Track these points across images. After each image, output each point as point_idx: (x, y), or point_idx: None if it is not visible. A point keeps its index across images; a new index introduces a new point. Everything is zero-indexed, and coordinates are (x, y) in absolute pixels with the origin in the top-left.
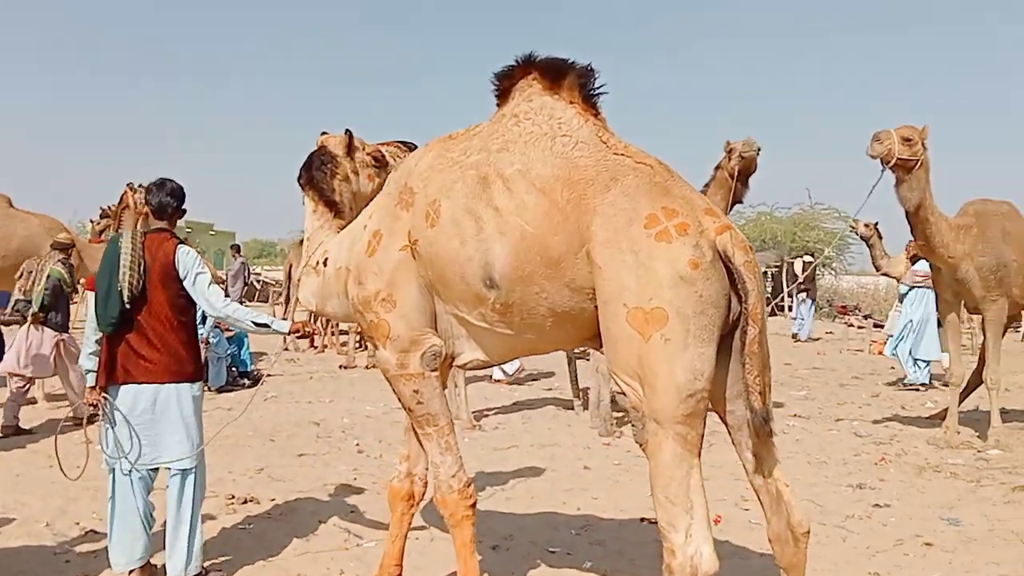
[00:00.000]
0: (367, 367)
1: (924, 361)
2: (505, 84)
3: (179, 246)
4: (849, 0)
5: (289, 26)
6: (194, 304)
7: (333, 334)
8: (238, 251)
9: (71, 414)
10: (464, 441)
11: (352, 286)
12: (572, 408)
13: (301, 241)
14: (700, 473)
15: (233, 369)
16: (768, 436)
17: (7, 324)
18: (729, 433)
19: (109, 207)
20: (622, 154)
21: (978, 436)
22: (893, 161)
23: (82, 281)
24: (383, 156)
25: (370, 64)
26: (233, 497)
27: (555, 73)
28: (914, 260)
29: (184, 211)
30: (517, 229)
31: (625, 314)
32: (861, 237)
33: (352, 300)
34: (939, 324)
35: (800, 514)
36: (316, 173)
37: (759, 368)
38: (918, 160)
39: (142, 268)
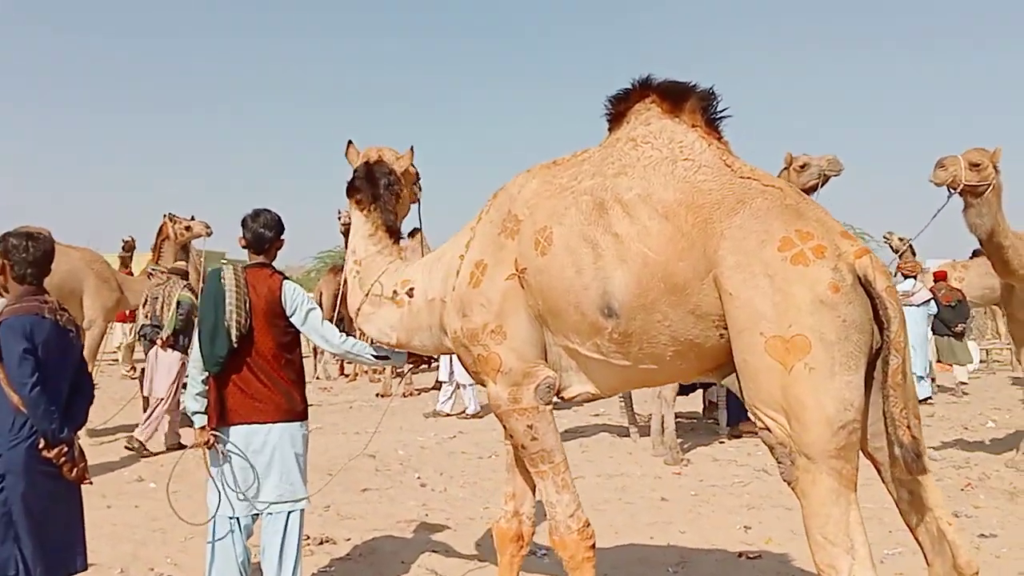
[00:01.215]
0: (404, 395)
1: (918, 376)
2: (620, 108)
3: (284, 281)
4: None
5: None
6: (299, 341)
7: None
8: None
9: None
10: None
11: (454, 319)
12: (628, 435)
13: (337, 268)
14: (859, 509)
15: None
16: (921, 472)
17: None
18: (878, 471)
19: (131, 238)
20: (749, 177)
21: None
22: (960, 188)
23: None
24: (417, 175)
25: (376, 80)
26: (308, 537)
27: (676, 96)
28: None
29: (283, 242)
30: (639, 255)
31: (763, 343)
32: (894, 250)
33: (454, 333)
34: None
35: (968, 554)
36: (384, 193)
37: (904, 400)
38: (988, 184)
39: (248, 305)
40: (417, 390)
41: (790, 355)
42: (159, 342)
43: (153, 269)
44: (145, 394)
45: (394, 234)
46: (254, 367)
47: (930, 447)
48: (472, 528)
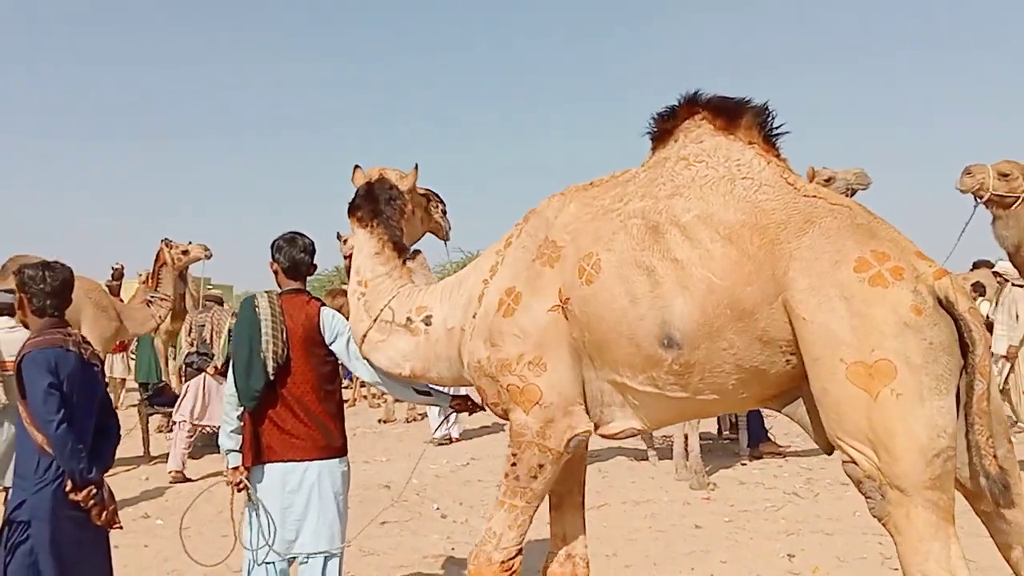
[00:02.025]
0: (407, 420)
1: None
2: (666, 125)
3: (323, 308)
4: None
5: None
6: (339, 371)
7: (363, 385)
8: None
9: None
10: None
11: (478, 348)
12: (646, 459)
13: (335, 291)
14: (959, 543)
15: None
16: (1009, 505)
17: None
18: (970, 503)
19: (120, 265)
20: (814, 196)
21: None
22: (987, 197)
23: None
24: (436, 197)
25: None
26: None
27: (730, 113)
28: None
29: (316, 267)
30: (703, 281)
31: (844, 371)
32: None
33: (478, 363)
34: None
35: None
36: (386, 208)
37: (990, 427)
38: (1018, 197)
39: (285, 335)
40: (420, 414)
41: (875, 381)
42: (210, 371)
43: (152, 296)
44: (193, 421)
45: (402, 252)
46: (291, 400)
47: None
48: None
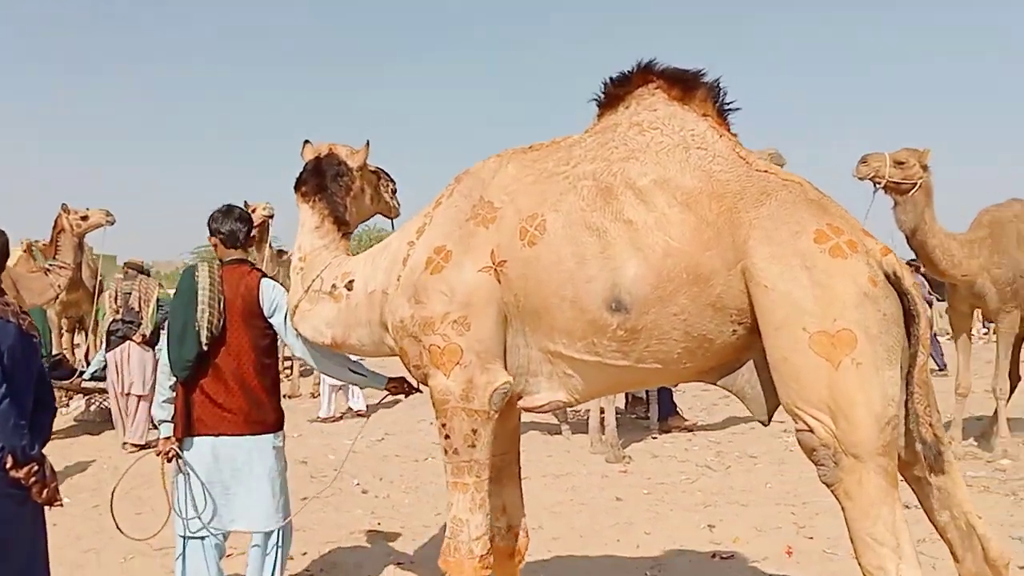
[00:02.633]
0: (312, 395)
1: None
2: (619, 91)
3: (263, 279)
4: None
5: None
6: (277, 346)
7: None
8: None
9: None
10: None
11: (402, 306)
12: (559, 433)
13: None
14: (902, 508)
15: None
16: (941, 470)
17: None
18: (900, 471)
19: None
20: (766, 171)
21: (974, 446)
22: (883, 183)
23: None
24: (387, 176)
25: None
26: None
27: (685, 84)
28: None
29: (254, 237)
30: (659, 244)
31: (807, 340)
32: None
33: (400, 321)
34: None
35: (999, 546)
36: (332, 184)
37: (927, 396)
38: (914, 183)
39: (222, 304)
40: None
41: (837, 350)
42: (137, 339)
43: (51, 264)
44: (118, 391)
45: (342, 226)
46: (226, 373)
47: None
48: (429, 535)
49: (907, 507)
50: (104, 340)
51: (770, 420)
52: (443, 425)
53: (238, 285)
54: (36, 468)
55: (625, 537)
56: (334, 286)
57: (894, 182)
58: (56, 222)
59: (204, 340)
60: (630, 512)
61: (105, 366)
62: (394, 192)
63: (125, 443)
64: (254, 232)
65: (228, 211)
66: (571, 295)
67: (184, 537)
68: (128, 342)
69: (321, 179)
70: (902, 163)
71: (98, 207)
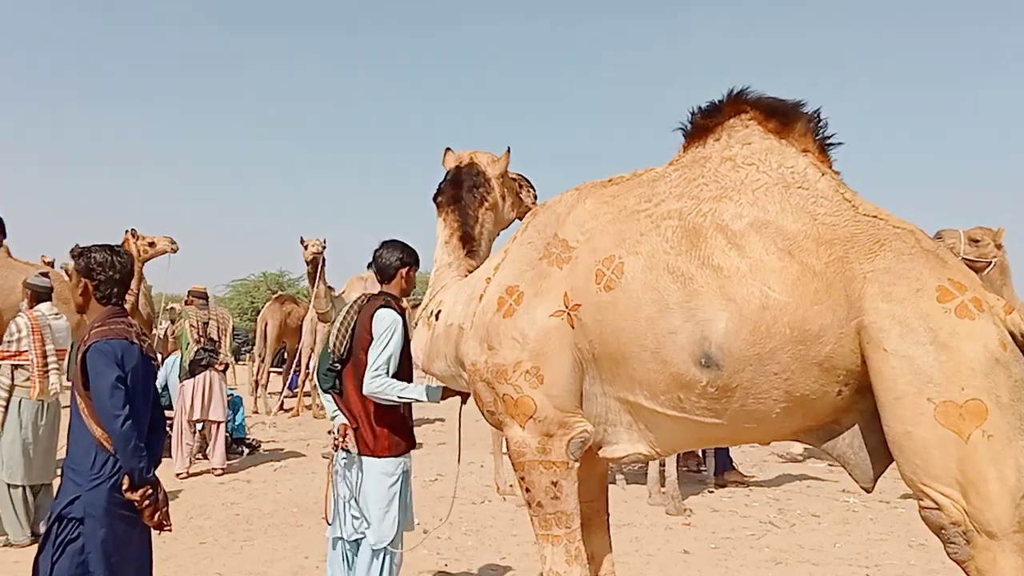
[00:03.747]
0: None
1: None
2: (708, 122)
3: (379, 310)
4: None
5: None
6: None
7: (307, 395)
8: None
9: None
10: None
11: (474, 350)
12: (615, 482)
13: (280, 297)
14: None
15: (227, 437)
16: None
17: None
18: None
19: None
20: (875, 216)
21: None
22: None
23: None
24: (528, 183)
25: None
26: None
27: (782, 116)
28: None
29: (411, 272)
30: (756, 295)
31: (932, 411)
32: None
33: (473, 366)
34: None
35: None
36: (467, 195)
37: None
38: (989, 262)
39: (351, 332)
40: None
41: (966, 423)
42: (219, 367)
43: None
44: (193, 418)
45: (468, 242)
46: (352, 394)
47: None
48: None
49: None
50: (188, 369)
51: (872, 489)
52: (522, 479)
53: (365, 316)
54: (150, 491)
55: None
56: (432, 312)
57: (968, 260)
58: (123, 245)
59: (332, 358)
60: (699, 566)
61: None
62: (535, 199)
63: (179, 472)
64: (307, 268)
65: (381, 246)
66: (652, 346)
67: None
68: (210, 371)
69: (457, 190)
70: (977, 241)
71: (162, 234)
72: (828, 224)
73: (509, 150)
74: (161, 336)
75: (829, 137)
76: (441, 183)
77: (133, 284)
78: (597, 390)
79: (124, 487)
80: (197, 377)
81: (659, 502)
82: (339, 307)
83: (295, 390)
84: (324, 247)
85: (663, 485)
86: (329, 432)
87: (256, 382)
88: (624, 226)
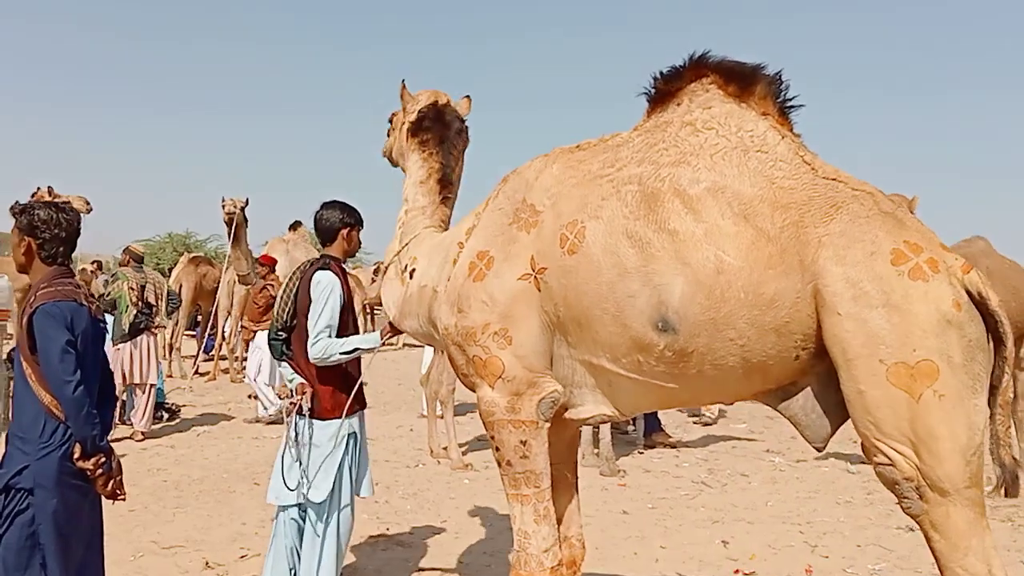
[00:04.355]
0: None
1: None
2: (670, 87)
3: (317, 272)
4: None
5: None
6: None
7: (223, 358)
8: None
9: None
10: (464, 483)
11: (446, 313)
12: None
13: (195, 258)
14: (991, 533)
15: None
16: (1016, 494)
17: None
18: None
19: None
20: (834, 179)
21: None
22: None
23: None
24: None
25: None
26: None
27: (742, 79)
28: None
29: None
30: (711, 260)
31: (884, 372)
32: None
33: (446, 330)
34: None
35: None
36: (454, 136)
37: (1008, 417)
38: None
39: (295, 298)
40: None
41: (917, 383)
42: (156, 331)
43: None
44: (134, 381)
45: (446, 187)
46: (299, 358)
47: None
48: (440, 542)
49: (912, 529)
50: (128, 332)
51: (823, 449)
52: (492, 438)
53: (307, 279)
54: (103, 459)
55: (642, 550)
56: (406, 267)
57: None
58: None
59: (277, 326)
60: (639, 526)
61: None
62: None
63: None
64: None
65: (327, 205)
66: (613, 309)
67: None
68: (146, 334)
69: (445, 130)
70: None
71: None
72: (785, 188)
73: (469, 99)
74: None
75: (790, 100)
76: (423, 118)
77: None
78: (564, 352)
79: (76, 456)
80: (131, 342)
81: (592, 463)
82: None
83: (210, 353)
84: (243, 207)
85: (596, 446)
86: (282, 397)
87: (170, 345)
88: (587, 191)
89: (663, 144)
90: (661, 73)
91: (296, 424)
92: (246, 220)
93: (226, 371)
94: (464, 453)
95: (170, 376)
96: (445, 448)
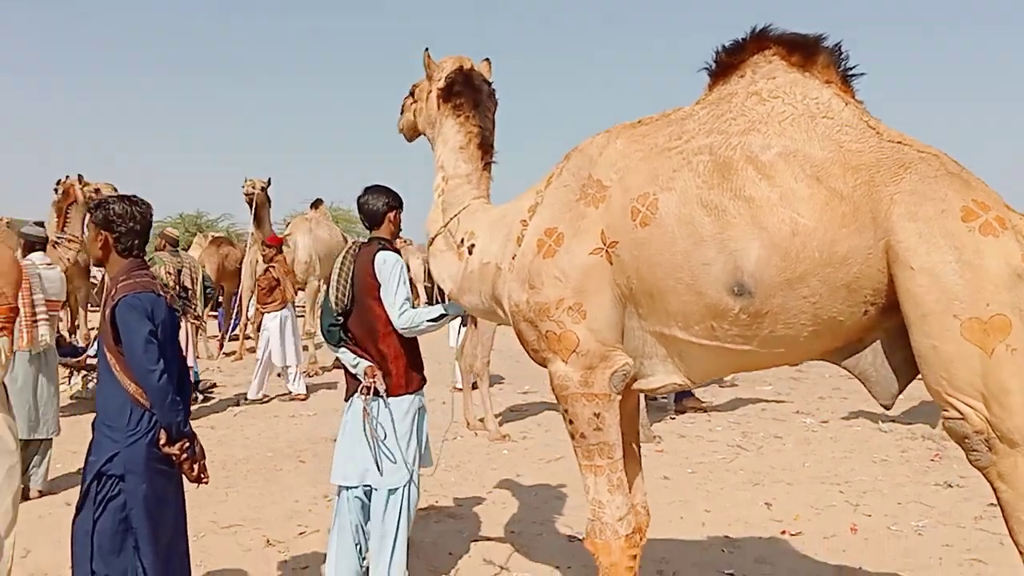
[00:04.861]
0: (308, 374)
1: None
2: (733, 60)
3: (378, 252)
4: None
5: None
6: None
7: (247, 337)
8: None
9: None
10: (503, 453)
11: (516, 290)
12: None
13: (214, 239)
14: None
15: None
16: None
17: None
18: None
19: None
20: (899, 142)
21: None
22: None
23: None
24: None
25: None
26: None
27: (805, 49)
28: None
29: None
30: (786, 223)
31: (959, 327)
32: None
33: (516, 306)
34: None
35: None
36: (487, 100)
37: None
38: None
39: (351, 281)
40: (322, 368)
41: (990, 337)
42: (192, 319)
43: (59, 238)
44: None
45: (487, 152)
46: (360, 341)
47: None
48: (489, 512)
49: (950, 485)
50: None
51: (892, 406)
52: (565, 411)
53: (365, 262)
54: (187, 444)
55: (687, 515)
56: (462, 241)
57: None
58: (67, 192)
59: (335, 311)
60: (682, 491)
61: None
62: None
63: None
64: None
65: (363, 192)
66: (687, 278)
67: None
68: (184, 319)
69: (477, 94)
70: None
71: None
72: (854, 151)
73: (489, 62)
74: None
75: (851, 68)
76: (453, 82)
77: (78, 231)
78: (635, 324)
79: (162, 442)
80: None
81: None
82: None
83: (235, 333)
84: (265, 187)
85: None
86: (352, 378)
87: (196, 326)
88: (656, 163)
89: (730, 114)
90: (723, 47)
91: (371, 406)
92: (269, 200)
93: (252, 350)
94: (500, 424)
95: (198, 357)
96: (481, 420)
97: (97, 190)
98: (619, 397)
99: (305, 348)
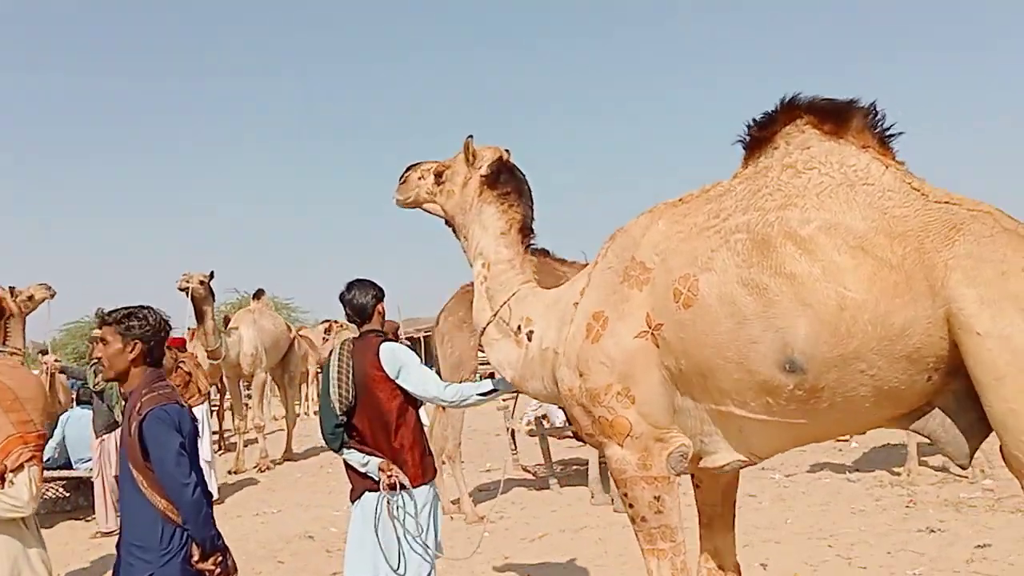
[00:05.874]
0: (260, 469)
1: None
2: (764, 133)
3: (382, 343)
4: None
5: None
6: (409, 403)
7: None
8: None
9: None
10: (485, 535)
11: (569, 376)
12: (547, 487)
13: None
14: None
15: None
16: None
17: None
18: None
19: None
20: (946, 202)
21: (938, 467)
22: None
23: None
24: None
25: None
26: None
27: (837, 115)
28: None
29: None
30: (832, 297)
31: None
32: None
33: (569, 391)
34: None
35: None
36: (528, 190)
37: None
38: None
39: (351, 378)
40: (273, 462)
41: None
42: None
43: (1, 351)
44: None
45: (526, 237)
46: (366, 437)
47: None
48: None
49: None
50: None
51: (968, 464)
52: (625, 495)
53: (366, 355)
54: (221, 559)
55: None
56: (519, 328)
57: None
58: (1, 307)
59: (338, 411)
60: None
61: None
62: None
63: (107, 531)
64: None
65: (350, 288)
66: (736, 357)
67: None
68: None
69: (520, 182)
70: None
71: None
72: (899, 216)
73: (508, 153)
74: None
75: (887, 129)
76: (498, 172)
77: (20, 343)
78: (689, 404)
79: (195, 558)
80: (114, 433)
81: (603, 501)
82: (226, 343)
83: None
84: (204, 280)
85: (605, 487)
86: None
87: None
88: (696, 243)
89: (766, 189)
90: (754, 120)
91: (393, 501)
92: (212, 294)
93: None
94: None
95: None
96: (454, 501)
97: (31, 296)
98: (677, 478)
99: (255, 441)
